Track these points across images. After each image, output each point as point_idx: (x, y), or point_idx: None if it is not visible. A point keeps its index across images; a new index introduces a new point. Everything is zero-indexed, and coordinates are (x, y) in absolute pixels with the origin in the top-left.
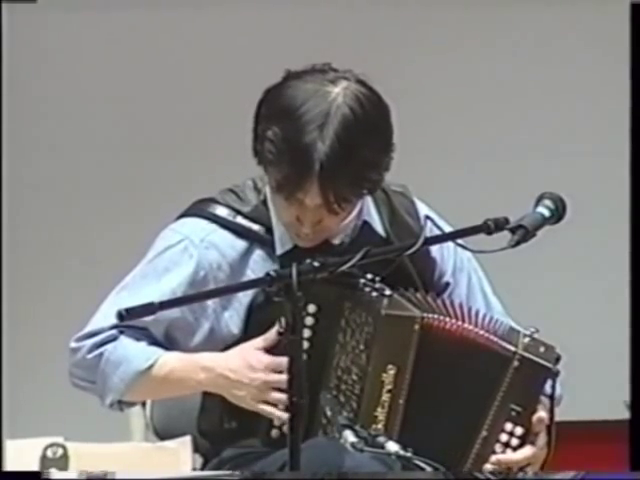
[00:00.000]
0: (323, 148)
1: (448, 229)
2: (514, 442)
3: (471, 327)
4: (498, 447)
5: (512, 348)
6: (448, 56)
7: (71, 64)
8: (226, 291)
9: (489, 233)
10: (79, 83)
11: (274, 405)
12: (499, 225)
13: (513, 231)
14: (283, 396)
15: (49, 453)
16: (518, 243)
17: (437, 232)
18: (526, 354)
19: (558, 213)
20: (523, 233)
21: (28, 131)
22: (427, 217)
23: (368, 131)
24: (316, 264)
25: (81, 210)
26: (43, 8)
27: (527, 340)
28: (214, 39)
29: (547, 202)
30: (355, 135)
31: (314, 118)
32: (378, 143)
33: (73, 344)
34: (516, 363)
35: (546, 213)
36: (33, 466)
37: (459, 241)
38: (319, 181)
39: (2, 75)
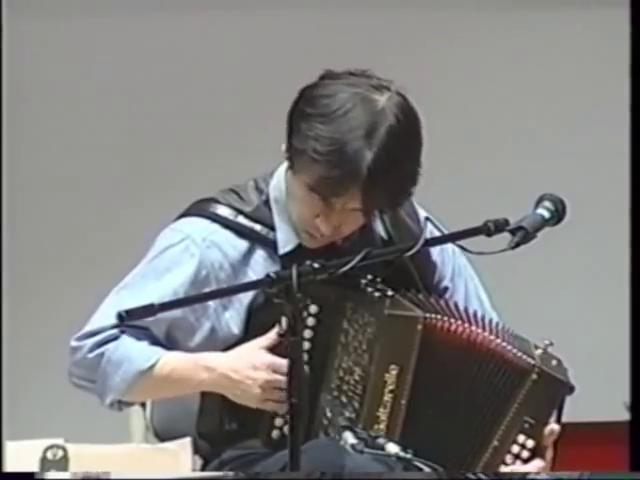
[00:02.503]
0: (371, 155)
1: (447, 231)
2: (524, 454)
3: (479, 331)
4: (508, 458)
5: (531, 361)
6: (448, 57)
7: (71, 66)
8: (226, 292)
9: (489, 234)
10: (79, 84)
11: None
12: (499, 226)
13: (513, 232)
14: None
15: (49, 455)
16: (518, 244)
17: (436, 232)
18: (545, 368)
19: (558, 214)
20: (523, 234)
21: (28, 132)
22: (427, 218)
23: (409, 143)
24: (316, 266)
25: (82, 209)
26: (43, 11)
27: (540, 352)
28: (215, 40)
29: (547, 203)
30: (399, 146)
31: (362, 124)
32: (416, 156)
33: (73, 343)
34: (534, 376)
35: (546, 214)
36: (33, 468)
37: (459, 242)
38: (363, 187)
39: (2, 76)
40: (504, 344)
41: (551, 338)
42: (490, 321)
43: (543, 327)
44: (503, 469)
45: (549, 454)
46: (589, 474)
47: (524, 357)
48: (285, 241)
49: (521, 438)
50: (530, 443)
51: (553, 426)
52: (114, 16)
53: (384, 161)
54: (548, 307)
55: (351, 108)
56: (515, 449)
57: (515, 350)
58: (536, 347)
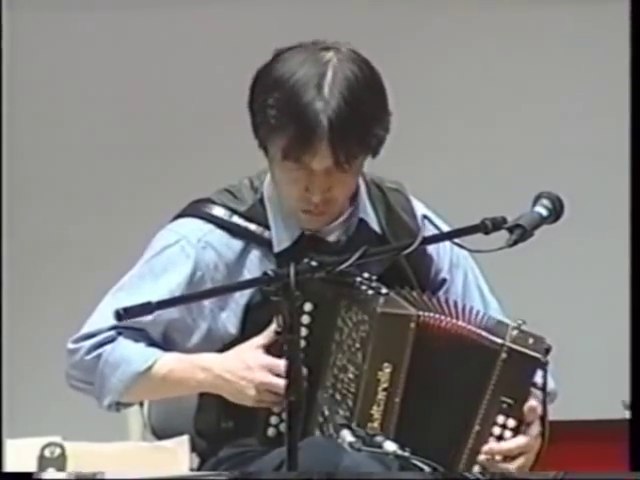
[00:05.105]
0: (330, 107)
1: (445, 228)
2: (507, 434)
3: (464, 324)
4: (492, 440)
5: (499, 341)
6: (448, 56)
7: (70, 64)
8: (224, 290)
9: (487, 232)
10: (78, 83)
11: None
12: (496, 224)
13: (511, 230)
14: (280, 397)
15: (47, 453)
16: (516, 242)
17: (434, 230)
18: (514, 346)
19: (556, 212)
20: (521, 232)
21: (28, 131)
22: (424, 216)
23: (368, 89)
24: (314, 263)
25: (80, 210)
26: (43, 8)
27: (515, 332)
28: (214, 39)
29: (545, 201)
30: (358, 92)
31: (312, 79)
32: (378, 100)
33: (70, 345)
34: (504, 355)
35: (544, 212)
36: (31, 466)
37: (456, 240)
38: (329, 140)
39: (2, 75)
40: (480, 331)
41: (551, 338)
42: (477, 313)
43: (543, 326)
44: (485, 448)
45: (535, 429)
46: (563, 474)
47: (493, 338)
48: (280, 239)
49: (501, 419)
50: (511, 423)
51: (532, 402)
52: (113, 15)
53: (345, 109)
54: (547, 306)
55: (299, 69)
56: (497, 431)
57: (485, 333)
58: (513, 328)
